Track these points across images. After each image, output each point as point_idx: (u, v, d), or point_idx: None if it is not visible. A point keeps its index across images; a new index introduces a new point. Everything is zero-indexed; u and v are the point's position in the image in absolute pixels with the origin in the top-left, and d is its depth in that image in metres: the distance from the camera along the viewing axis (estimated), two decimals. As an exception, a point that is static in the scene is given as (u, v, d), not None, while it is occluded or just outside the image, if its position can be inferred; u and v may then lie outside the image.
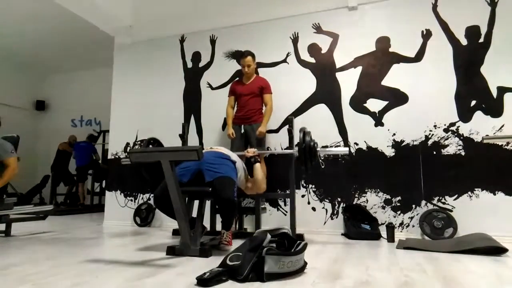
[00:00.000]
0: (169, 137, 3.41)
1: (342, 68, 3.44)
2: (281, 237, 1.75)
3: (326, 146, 3.35)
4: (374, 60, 3.35)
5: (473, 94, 3.02)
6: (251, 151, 2.79)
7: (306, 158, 2.50)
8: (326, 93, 3.45)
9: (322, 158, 2.66)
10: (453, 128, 3.03)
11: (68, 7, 4.09)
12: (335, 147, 3.31)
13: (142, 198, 4.03)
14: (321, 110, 3.43)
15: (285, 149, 3.45)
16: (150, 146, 3.00)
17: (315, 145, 2.55)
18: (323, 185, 3.31)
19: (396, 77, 3.26)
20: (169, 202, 2.10)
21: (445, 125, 3.06)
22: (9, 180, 2.98)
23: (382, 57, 3.33)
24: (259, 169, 2.67)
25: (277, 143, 3.53)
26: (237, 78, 3.64)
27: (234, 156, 2.59)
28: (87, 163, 6.20)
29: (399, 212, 3.07)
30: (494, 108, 2.95)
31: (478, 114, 2.99)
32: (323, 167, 2.77)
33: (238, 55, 3.83)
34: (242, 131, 3.35)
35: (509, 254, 2.19)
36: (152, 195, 3.93)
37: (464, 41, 3.12)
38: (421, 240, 2.82)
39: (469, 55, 3.07)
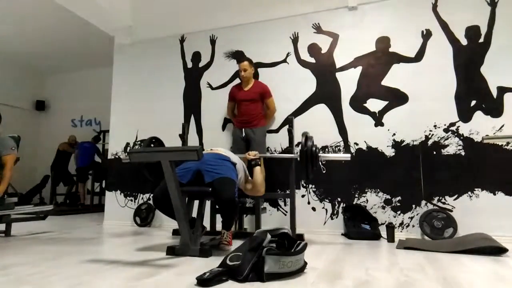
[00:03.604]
0: (169, 137, 3.40)
1: (342, 68, 3.44)
2: (281, 237, 1.75)
3: (326, 147, 3.35)
4: (374, 60, 3.35)
5: (473, 94, 3.02)
6: (252, 154, 2.76)
7: (308, 163, 2.48)
8: (326, 93, 3.45)
9: (324, 162, 2.66)
10: (453, 128, 3.03)
11: (68, 7, 4.10)
12: (336, 147, 3.32)
13: (142, 198, 4.03)
14: (321, 110, 3.44)
15: (285, 149, 3.46)
16: (152, 145, 3.00)
17: (316, 150, 2.53)
18: (323, 185, 3.32)
19: (396, 77, 3.26)
20: (169, 202, 2.10)
21: (445, 125, 3.05)
22: (10, 179, 2.99)
23: (382, 57, 3.33)
24: (259, 173, 2.61)
25: (277, 143, 3.53)
26: (236, 83, 3.65)
27: (234, 157, 2.58)
28: (88, 164, 6.21)
29: (399, 212, 3.07)
30: (494, 108, 2.95)
31: (478, 114, 2.99)
32: (324, 172, 2.72)
33: (238, 55, 3.84)
34: (243, 134, 3.38)
35: (509, 254, 2.19)
36: (152, 195, 3.93)
37: (464, 41, 3.12)
38: (421, 240, 2.82)
39: (469, 55, 3.07)
